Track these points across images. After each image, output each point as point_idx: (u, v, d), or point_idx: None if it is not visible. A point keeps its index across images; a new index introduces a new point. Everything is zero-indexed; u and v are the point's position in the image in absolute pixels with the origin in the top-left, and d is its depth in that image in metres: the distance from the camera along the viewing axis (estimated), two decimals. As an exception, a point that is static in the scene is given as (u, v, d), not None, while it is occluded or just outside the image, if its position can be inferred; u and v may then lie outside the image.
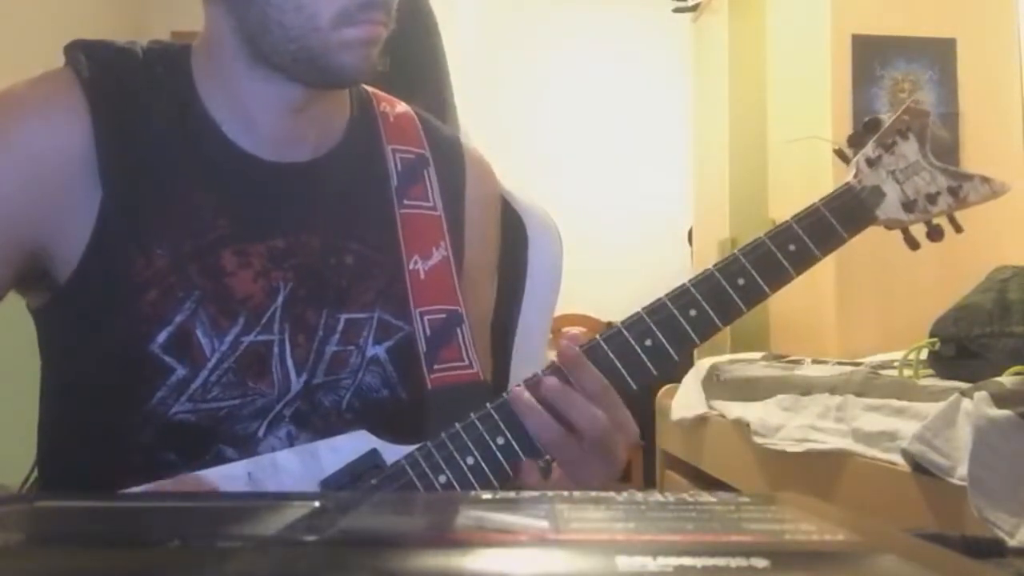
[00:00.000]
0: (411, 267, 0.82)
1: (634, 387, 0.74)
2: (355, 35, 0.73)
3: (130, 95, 0.77)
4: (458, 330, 0.81)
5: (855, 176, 0.83)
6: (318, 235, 0.79)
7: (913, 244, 0.85)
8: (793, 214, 0.80)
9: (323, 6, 0.72)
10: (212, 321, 0.74)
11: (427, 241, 0.83)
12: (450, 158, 0.90)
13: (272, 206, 0.79)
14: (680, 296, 0.76)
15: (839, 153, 0.87)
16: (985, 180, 0.84)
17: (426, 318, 0.81)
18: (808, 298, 2.73)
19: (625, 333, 0.74)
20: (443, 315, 0.81)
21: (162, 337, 0.73)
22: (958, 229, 0.86)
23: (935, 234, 0.85)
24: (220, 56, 0.78)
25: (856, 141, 0.86)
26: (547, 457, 0.73)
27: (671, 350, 0.74)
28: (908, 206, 0.83)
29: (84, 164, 0.74)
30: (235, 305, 0.75)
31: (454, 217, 0.87)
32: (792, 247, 0.77)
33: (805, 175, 2.80)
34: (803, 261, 0.78)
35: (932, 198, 0.83)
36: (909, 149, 0.84)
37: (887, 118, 0.86)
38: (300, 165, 0.80)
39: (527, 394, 0.72)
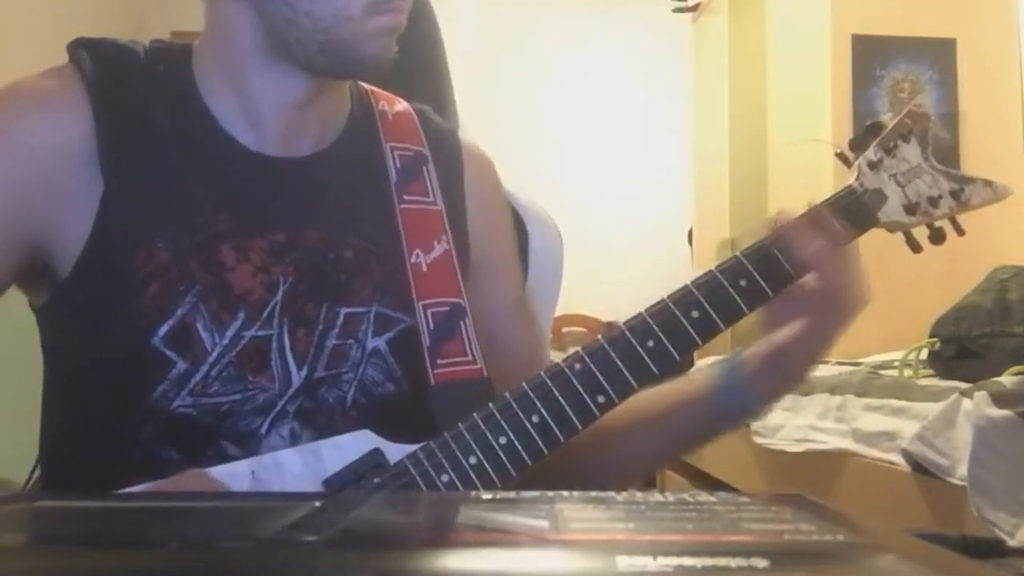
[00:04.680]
0: (413, 260, 0.82)
1: (636, 388, 0.74)
2: (383, 23, 0.74)
3: (132, 92, 0.77)
4: (461, 323, 0.81)
5: (857, 179, 0.83)
6: (317, 230, 0.79)
7: (915, 247, 0.85)
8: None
9: None
10: (213, 315, 0.74)
11: (428, 235, 0.84)
12: (448, 153, 0.90)
13: (272, 201, 0.79)
14: (682, 298, 0.76)
15: (841, 156, 0.87)
16: (988, 183, 0.84)
17: (429, 311, 0.81)
18: (808, 298, 2.72)
19: (627, 334, 0.74)
20: (446, 307, 0.81)
21: (163, 330, 0.73)
22: (960, 232, 0.86)
23: (937, 237, 0.85)
24: (230, 52, 0.78)
25: (857, 144, 0.86)
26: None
27: (673, 351, 0.74)
28: (910, 209, 0.83)
29: (85, 160, 0.74)
30: (234, 300, 0.75)
31: (455, 212, 0.87)
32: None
33: (805, 175, 2.80)
34: (805, 264, 0.78)
35: (934, 201, 0.83)
36: (911, 152, 0.84)
37: (888, 119, 0.86)
38: (300, 160, 0.81)
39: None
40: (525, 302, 0.93)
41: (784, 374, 0.81)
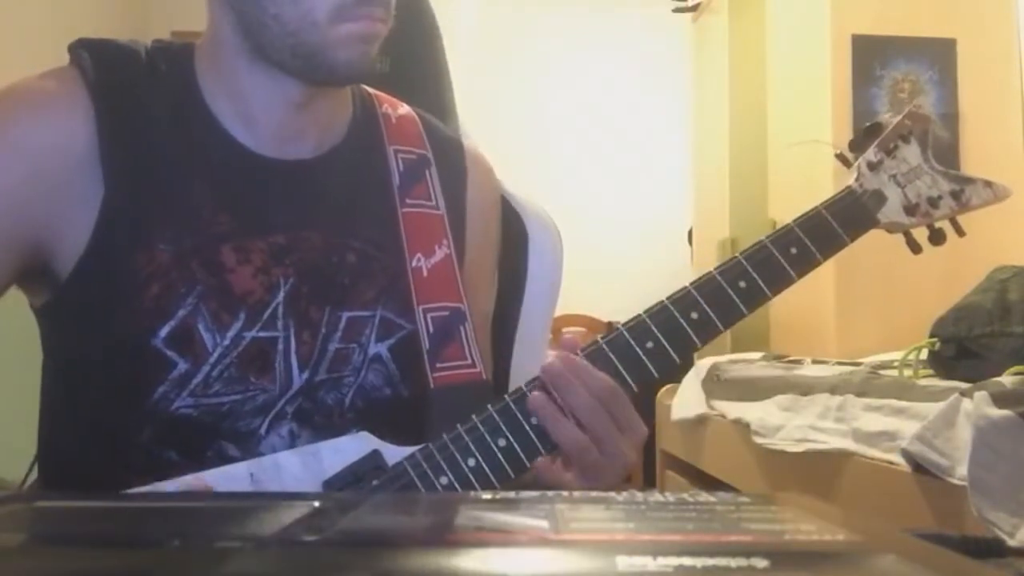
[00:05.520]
0: (414, 265, 0.82)
1: (635, 389, 0.74)
2: (352, 31, 0.73)
3: (133, 92, 0.77)
4: (461, 328, 0.81)
5: (857, 180, 0.83)
6: (320, 232, 0.79)
7: (915, 248, 0.86)
8: (794, 216, 0.80)
9: (320, 0, 0.72)
10: (213, 316, 0.74)
11: (430, 239, 0.84)
12: (451, 159, 0.90)
13: (273, 202, 0.79)
14: (682, 299, 0.76)
15: (841, 157, 0.87)
16: (988, 184, 0.84)
17: (429, 315, 0.81)
18: (808, 298, 2.73)
19: (626, 335, 0.75)
20: (446, 312, 0.81)
21: (164, 331, 0.73)
22: (960, 233, 0.86)
23: (937, 238, 0.85)
24: (222, 52, 0.78)
25: (857, 145, 0.86)
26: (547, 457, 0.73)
27: (672, 352, 0.75)
28: (910, 210, 0.83)
29: (87, 160, 0.74)
30: (235, 301, 0.75)
31: (455, 217, 0.87)
32: (794, 250, 0.78)
33: (805, 175, 2.80)
34: (805, 264, 0.78)
35: (934, 202, 0.83)
36: (911, 153, 0.84)
37: (888, 119, 0.86)
38: (302, 162, 0.81)
39: (547, 399, 0.71)
40: (489, 320, 0.93)
41: None
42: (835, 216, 0.80)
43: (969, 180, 0.84)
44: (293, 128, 0.80)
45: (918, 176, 0.84)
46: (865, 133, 0.86)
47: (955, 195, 0.84)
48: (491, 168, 0.94)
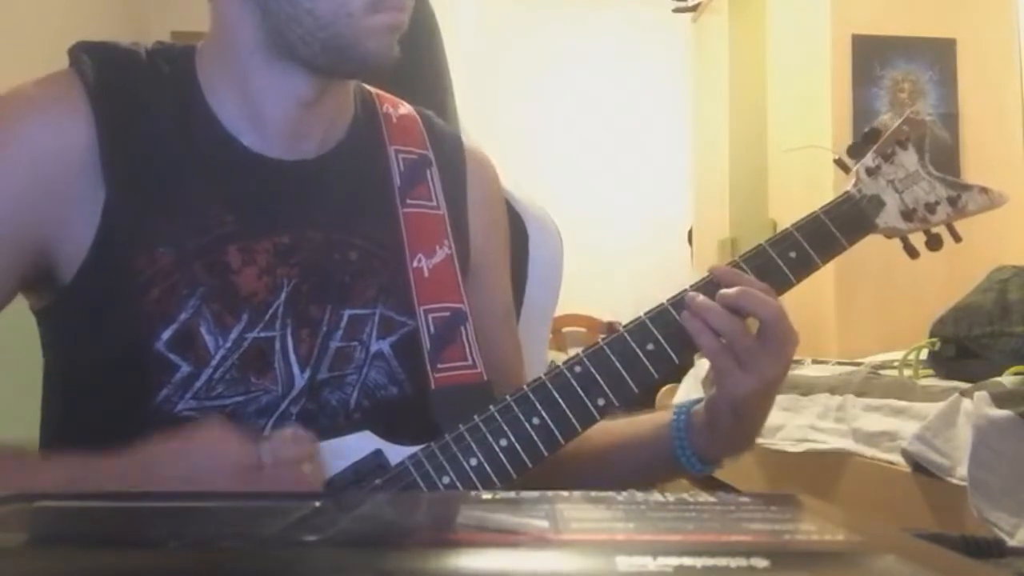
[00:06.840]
0: (415, 265, 0.82)
1: (636, 390, 0.74)
2: (384, 21, 0.74)
3: (133, 95, 0.77)
4: (462, 328, 0.81)
5: (855, 185, 0.83)
6: (322, 231, 0.79)
7: (912, 252, 0.86)
8: (795, 216, 0.80)
9: None
10: (216, 318, 0.74)
11: (430, 239, 0.84)
12: (452, 158, 0.90)
13: (277, 202, 0.79)
14: (681, 301, 0.76)
15: (839, 163, 0.88)
16: (984, 190, 0.85)
17: (430, 316, 0.81)
18: (808, 298, 2.72)
19: (627, 337, 0.75)
20: (447, 312, 0.81)
21: (167, 335, 0.73)
22: (957, 238, 0.86)
23: (934, 243, 0.85)
24: (233, 52, 0.78)
25: (856, 151, 0.86)
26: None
27: (672, 354, 0.75)
28: (907, 215, 0.83)
29: (87, 164, 0.74)
30: (239, 302, 0.75)
31: (457, 217, 0.87)
32: (793, 254, 0.78)
33: (805, 175, 2.80)
34: (804, 268, 0.78)
35: (931, 208, 0.84)
36: (908, 159, 0.84)
37: (887, 122, 0.86)
38: (305, 162, 0.81)
39: (701, 296, 0.74)
40: (512, 313, 0.93)
41: (721, 434, 0.79)
42: (834, 221, 0.80)
43: (966, 186, 0.85)
44: (300, 127, 0.80)
45: (915, 182, 0.84)
46: (864, 139, 0.86)
47: (952, 201, 0.84)
48: (492, 166, 0.94)
